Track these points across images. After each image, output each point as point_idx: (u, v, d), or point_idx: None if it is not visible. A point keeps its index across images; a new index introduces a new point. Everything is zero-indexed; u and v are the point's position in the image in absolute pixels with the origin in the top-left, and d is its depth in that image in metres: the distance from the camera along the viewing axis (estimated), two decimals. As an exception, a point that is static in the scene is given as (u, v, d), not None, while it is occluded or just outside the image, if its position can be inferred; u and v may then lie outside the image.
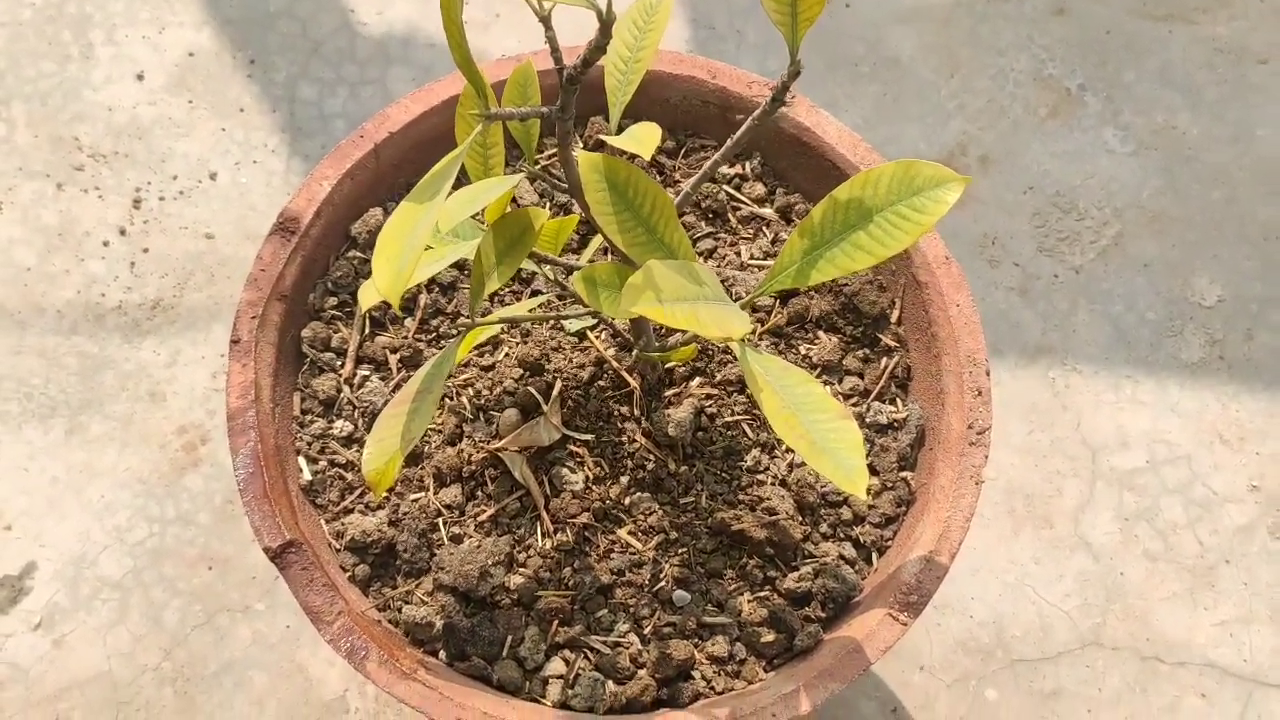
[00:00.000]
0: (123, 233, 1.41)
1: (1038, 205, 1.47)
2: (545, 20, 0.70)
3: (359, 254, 1.07)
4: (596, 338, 1.04)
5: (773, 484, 1.01)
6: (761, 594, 0.98)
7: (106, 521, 1.30)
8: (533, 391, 1.01)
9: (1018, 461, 1.37)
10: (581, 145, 1.13)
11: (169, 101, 1.47)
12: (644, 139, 0.74)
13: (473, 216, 0.87)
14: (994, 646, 1.30)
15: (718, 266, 1.08)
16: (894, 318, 1.07)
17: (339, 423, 1.03)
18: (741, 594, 0.98)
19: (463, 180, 1.07)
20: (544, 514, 0.98)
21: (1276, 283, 1.44)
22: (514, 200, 1.10)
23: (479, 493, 1.00)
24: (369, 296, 0.83)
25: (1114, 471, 1.37)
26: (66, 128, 1.45)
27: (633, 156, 1.07)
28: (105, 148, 1.44)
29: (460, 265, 1.08)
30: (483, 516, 0.99)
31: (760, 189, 1.12)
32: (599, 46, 0.66)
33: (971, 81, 1.53)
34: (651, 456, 1.00)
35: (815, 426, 0.74)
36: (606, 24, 0.64)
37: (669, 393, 1.02)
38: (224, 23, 1.51)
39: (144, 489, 1.32)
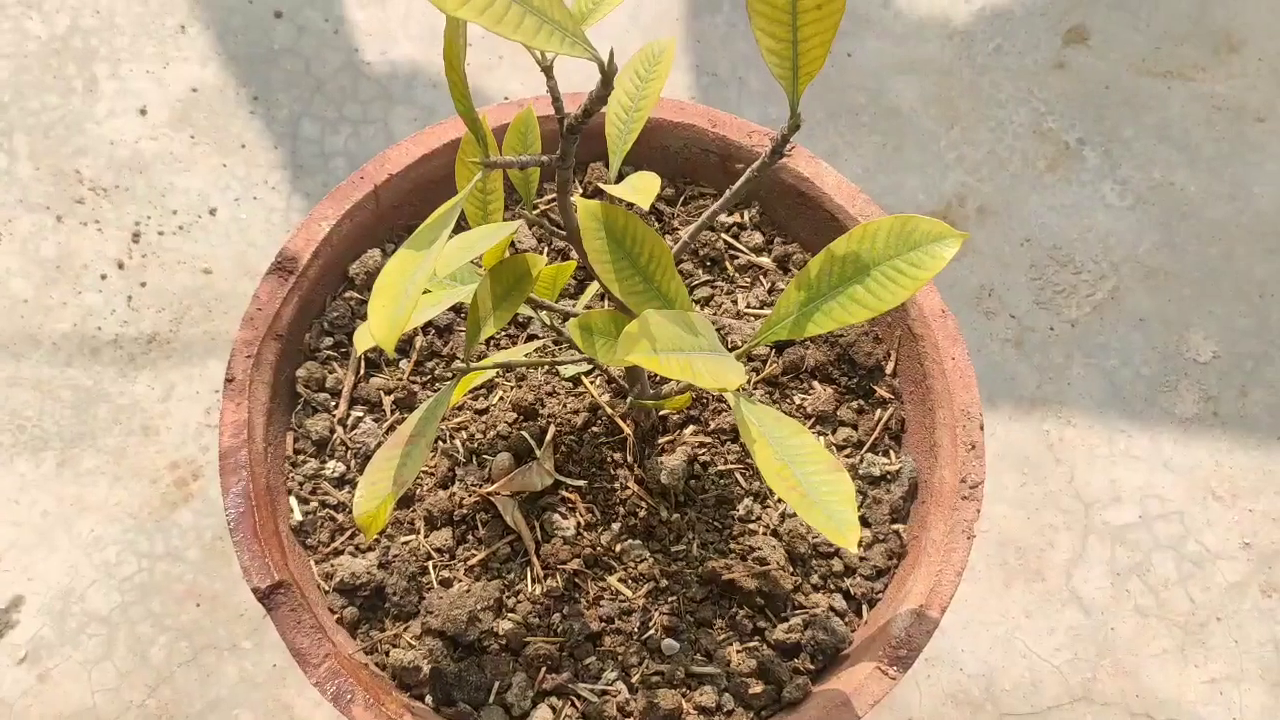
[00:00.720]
0: (121, 266, 1.41)
1: (1035, 258, 1.47)
2: (548, 70, 0.71)
3: (356, 295, 1.07)
4: (591, 383, 1.04)
5: (764, 534, 1.01)
6: (751, 644, 0.97)
7: (95, 556, 1.30)
8: (526, 436, 1.01)
9: (1010, 514, 1.36)
10: (581, 191, 1.13)
11: (171, 136, 1.47)
12: (643, 189, 0.74)
13: (471, 261, 0.87)
14: (984, 700, 1.29)
15: (714, 314, 1.08)
16: (889, 369, 1.07)
17: (331, 463, 1.03)
18: (731, 644, 0.97)
19: (462, 224, 1.07)
20: (534, 559, 0.98)
21: (1271, 340, 1.45)
22: (512, 244, 1.10)
23: (470, 536, 1.00)
24: (364, 341, 0.83)
25: (1106, 526, 1.36)
26: (68, 161, 1.45)
27: (631, 205, 1.07)
28: (106, 181, 1.44)
29: (457, 307, 1.09)
30: (473, 561, 0.98)
31: (758, 238, 1.12)
32: (600, 98, 0.66)
33: (971, 133, 1.53)
34: (643, 504, 1.00)
35: (807, 478, 0.73)
36: (608, 75, 0.64)
37: (662, 440, 1.02)
38: (228, 59, 1.52)
39: (134, 524, 1.31)
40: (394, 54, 1.54)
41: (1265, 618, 1.33)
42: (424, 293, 0.86)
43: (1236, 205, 1.51)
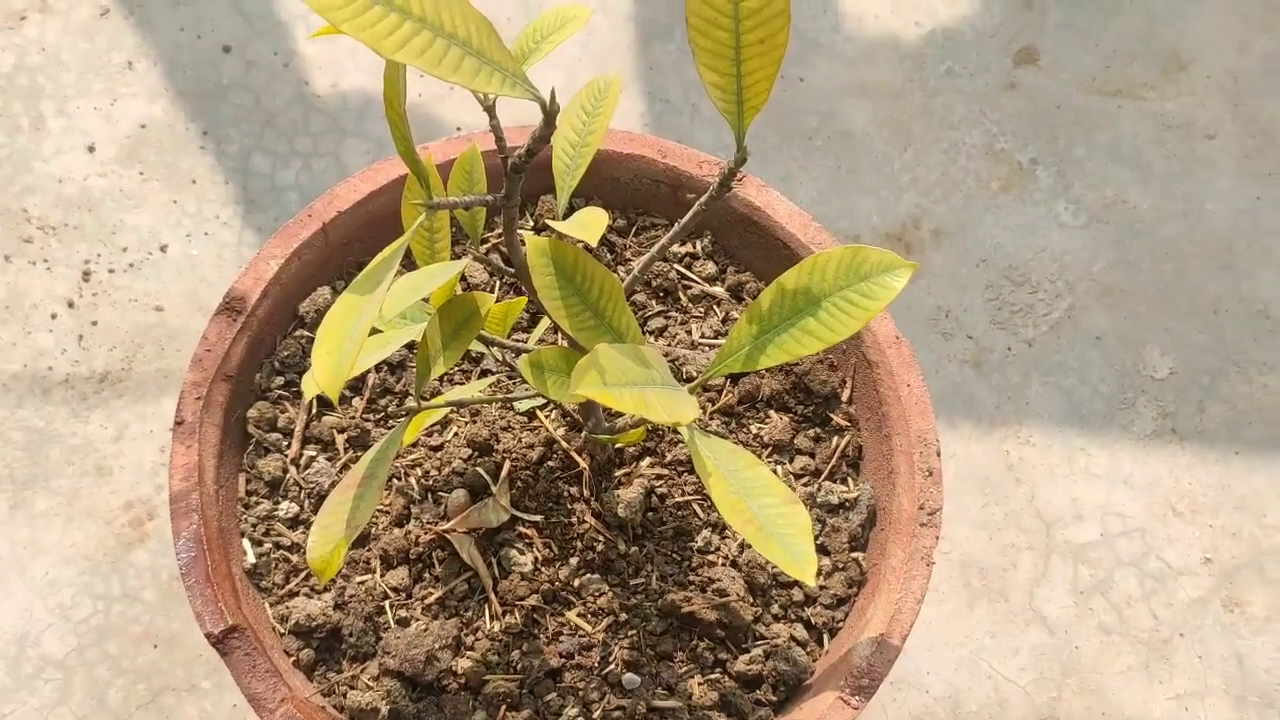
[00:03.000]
0: (71, 305, 1.39)
1: (990, 278, 1.48)
2: (490, 109, 0.70)
3: (307, 333, 1.07)
4: (546, 417, 1.03)
5: (723, 565, 1.00)
6: (712, 676, 0.97)
7: (50, 599, 1.28)
8: (481, 472, 1.00)
9: (972, 535, 1.36)
10: (532, 225, 1.12)
11: (120, 173, 1.46)
12: (590, 225, 0.74)
13: (422, 299, 0.86)
14: (950, 722, 1.29)
15: (668, 345, 1.08)
16: (845, 397, 1.07)
17: (285, 504, 1.02)
18: (692, 677, 0.97)
19: (412, 262, 1.06)
20: (492, 596, 0.97)
21: (1227, 355, 1.45)
22: (464, 279, 1.09)
23: (426, 575, 0.99)
24: (310, 387, 0.83)
25: (1068, 544, 1.37)
26: (15, 200, 1.44)
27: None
28: (55, 220, 1.43)
29: (410, 344, 1.08)
30: (430, 599, 0.98)
31: (711, 268, 1.12)
32: (543, 137, 0.66)
33: (924, 155, 1.54)
34: (601, 537, 0.99)
35: (763, 511, 0.73)
36: (550, 115, 0.64)
37: (619, 473, 1.02)
38: (177, 94, 1.51)
39: (89, 565, 1.30)
40: (344, 86, 1.53)
41: (1228, 632, 1.34)
42: (374, 333, 0.85)
43: (1189, 222, 1.52)
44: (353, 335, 0.62)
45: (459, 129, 1.53)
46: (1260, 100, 1.60)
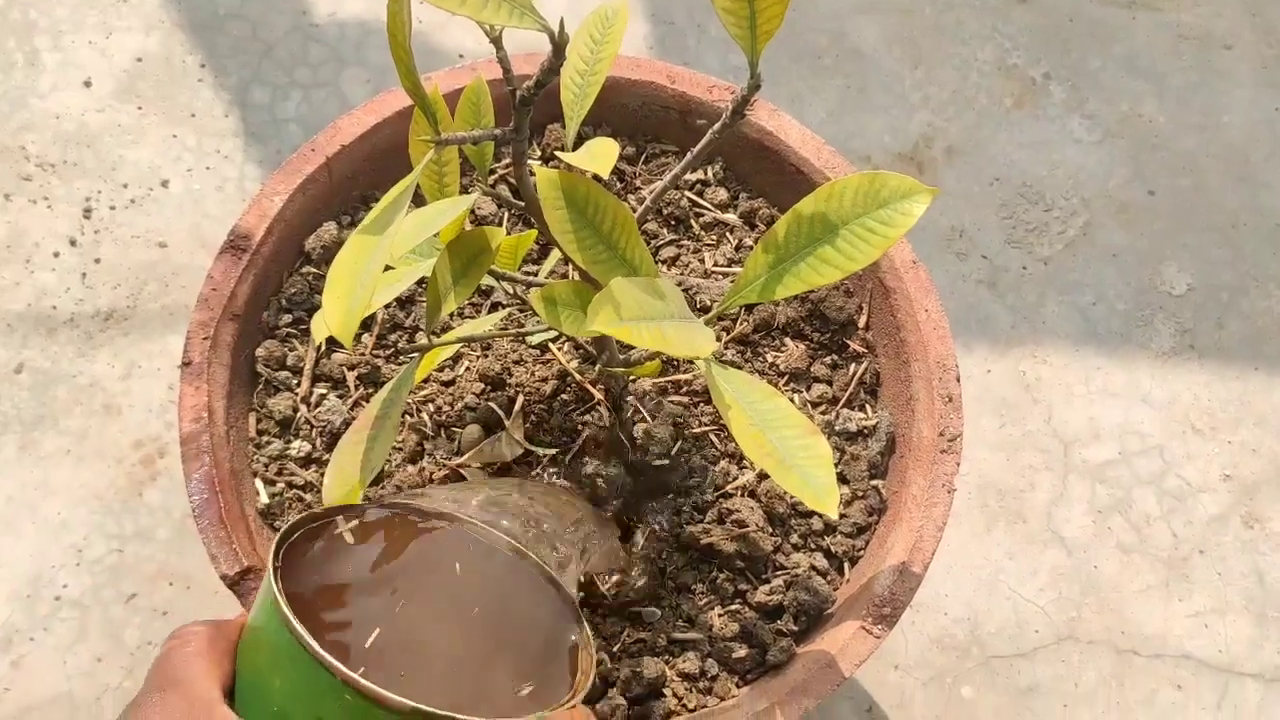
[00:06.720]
0: (73, 243, 1.38)
1: (1005, 196, 1.46)
2: (496, 41, 0.68)
3: (313, 269, 1.05)
4: (559, 350, 1.02)
5: (742, 495, 0.99)
6: (732, 608, 0.96)
7: (63, 539, 1.28)
8: (494, 407, 0.99)
9: (989, 457, 1.35)
10: (539, 154, 1.10)
11: (118, 108, 1.44)
12: (601, 156, 0.72)
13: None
14: (969, 643, 1.28)
15: (681, 274, 1.06)
16: (862, 323, 1.05)
17: (296, 443, 1.01)
18: (712, 608, 0.96)
19: (419, 196, 1.05)
20: (509, 532, 0.96)
21: (1246, 270, 1.43)
22: (473, 213, 1.08)
23: (442, 512, 0.98)
24: (320, 330, 0.81)
25: (1086, 464, 1.36)
26: (13, 137, 1.42)
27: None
28: (53, 157, 1.41)
29: (420, 278, 1.06)
30: (446, 537, 0.97)
31: (723, 194, 1.10)
32: (552, 68, 0.64)
33: (936, 72, 1.51)
34: (618, 471, 0.98)
35: (783, 443, 0.72)
36: (559, 45, 0.62)
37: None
38: (173, 27, 1.48)
39: (101, 505, 1.29)
40: (342, 14, 1.50)
41: (1247, 549, 1.33)
42: (385, 269, 0.83)
43: (1206, 135, 1.50)
44: (364, 278, 0.60)
45: (461, 56, 1.50)
46: (1279, 9, 1.56)
